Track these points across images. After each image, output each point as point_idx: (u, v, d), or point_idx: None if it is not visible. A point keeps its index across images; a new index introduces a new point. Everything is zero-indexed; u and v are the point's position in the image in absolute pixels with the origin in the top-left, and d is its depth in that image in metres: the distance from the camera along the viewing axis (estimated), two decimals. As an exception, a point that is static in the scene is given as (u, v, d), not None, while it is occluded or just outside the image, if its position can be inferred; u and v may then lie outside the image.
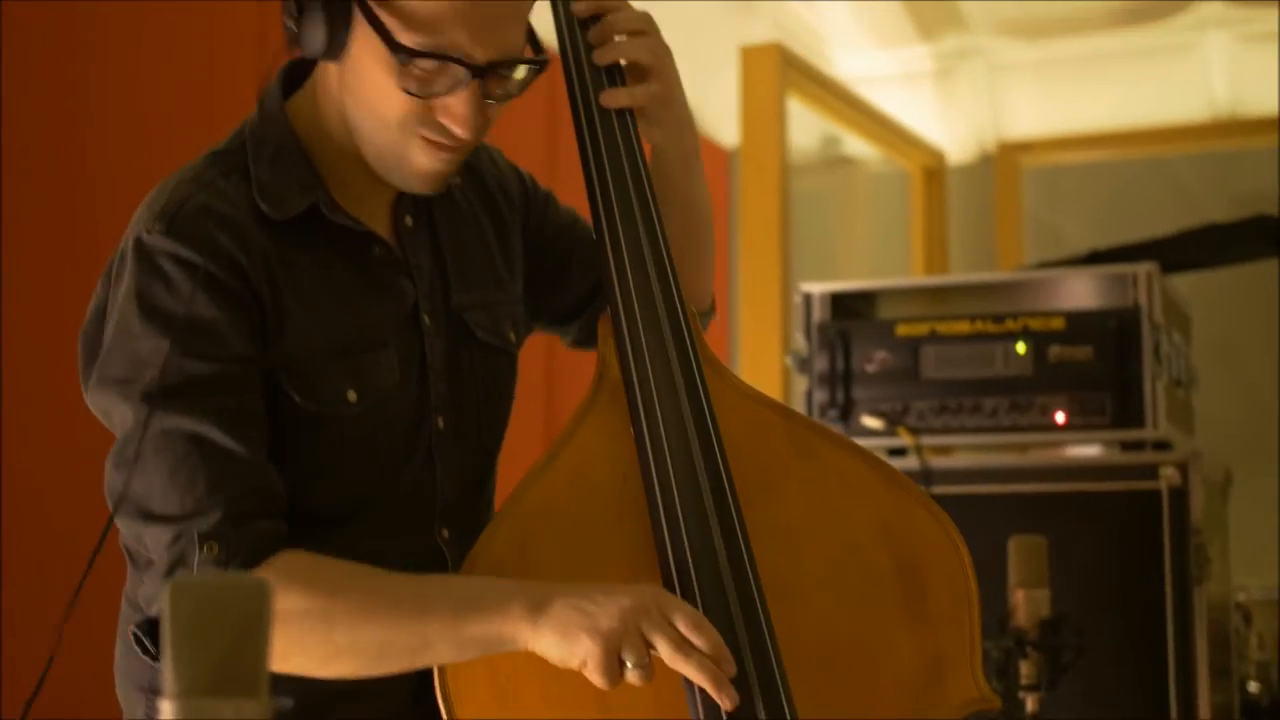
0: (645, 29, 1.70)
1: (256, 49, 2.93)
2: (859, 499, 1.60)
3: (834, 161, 5.22)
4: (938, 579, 1.57)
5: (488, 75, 1.52)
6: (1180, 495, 2.67)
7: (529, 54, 1.58)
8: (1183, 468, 2.68)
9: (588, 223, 1.87)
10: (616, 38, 1.69)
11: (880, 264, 5.23)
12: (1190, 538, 2.65)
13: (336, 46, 1.51)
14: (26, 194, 2.52)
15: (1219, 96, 4.90)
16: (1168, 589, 2.65)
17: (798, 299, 3.02)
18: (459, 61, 1.49)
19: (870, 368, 2.94)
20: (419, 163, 1.56)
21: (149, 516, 1.49)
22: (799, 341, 3.01)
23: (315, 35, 1.50)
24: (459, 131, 1.53)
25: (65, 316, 2.51)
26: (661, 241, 1.64)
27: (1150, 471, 2.69)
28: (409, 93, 1.50)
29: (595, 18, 1.70)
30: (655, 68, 1.69)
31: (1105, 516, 2.71)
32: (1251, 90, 4.85)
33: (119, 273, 1.55)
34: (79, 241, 2.61)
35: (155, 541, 1.50)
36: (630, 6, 1.73)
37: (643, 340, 1.58)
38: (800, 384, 3.02)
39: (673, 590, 1.49)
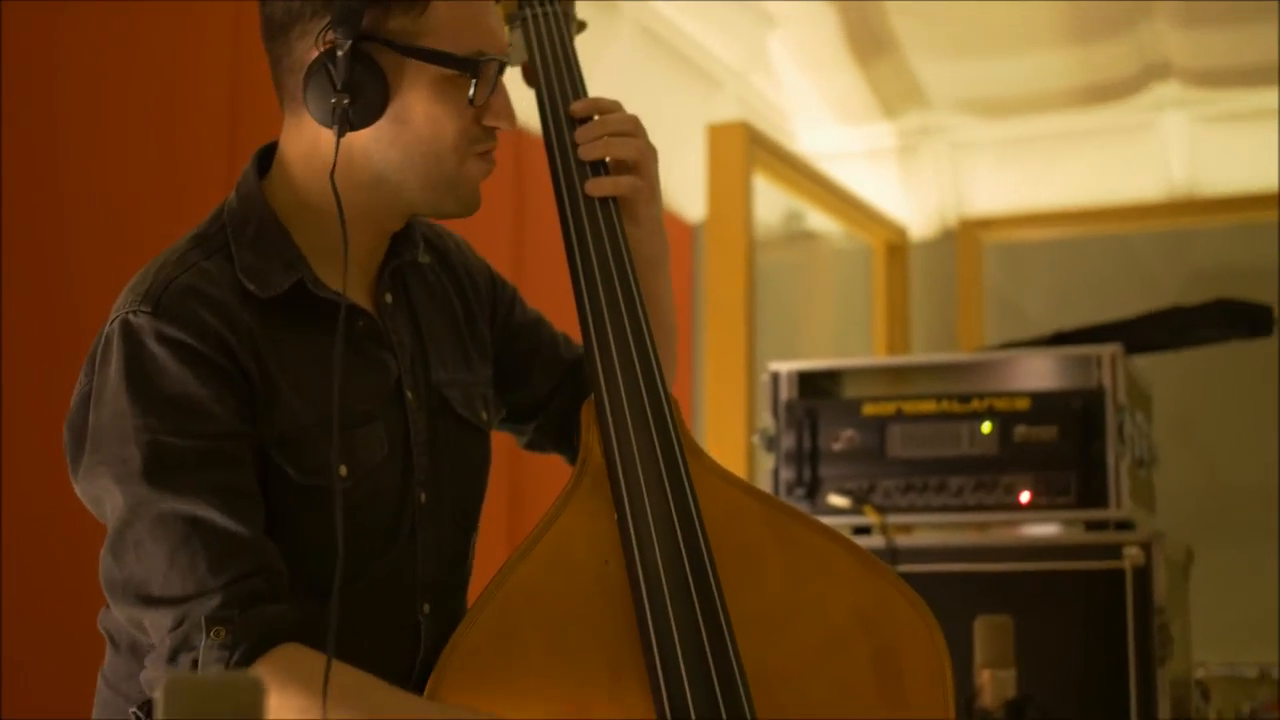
0: (633, 131, 1.76)
1: (230, 62, 2.97)
2: (836, 584, 1.62)
3: (797, 236, 5.27)
4: (913, 663, 1.60)
5: (505, 64, 1.63)
6: (1144, 575, 2.69)
7: None
8: (1146, 548, 2.70)
9: (552, 326, 1.91)
10: (606, 137, 1.75)
11: (843, 337, 5.28)
12: (1154, 617, 2.68)
13: (382, 107, 1.57)
14: (25, 195, 2.55)
15: (1177, 175, 4.98)
16: (1131, 669, 2.67)
17: (765, 377, 3.05)
18: (496, 57, 1.60)
19: (837, 446, 2.96)
20: (475, 177, 1.64)
21: (150, 600, 1.49)
22: (766, 420, 3.04)
23: (373, 99, 1.56)
24: (508, 125, 1.63)
25: (66, 317, 2.57)
26: (644, 326, 1.67)
27: (1114, 551, 2.71)
28: (472, 103, 1.58)
29: (587, 118, 1.77)
30: (640, 165, 1.75)
31: (1070, 596, 2.73)
32: (1208, 170, 4.95)
33: (104, 357, 1.56)
34: (80, 243, 2.65)
35: (157, 625, 1.49)
36: (621, 108, 1.78)
37: (627, 426, 1.61)
38: (767, 462, 3.04)
39: (654, 675, 1.50)
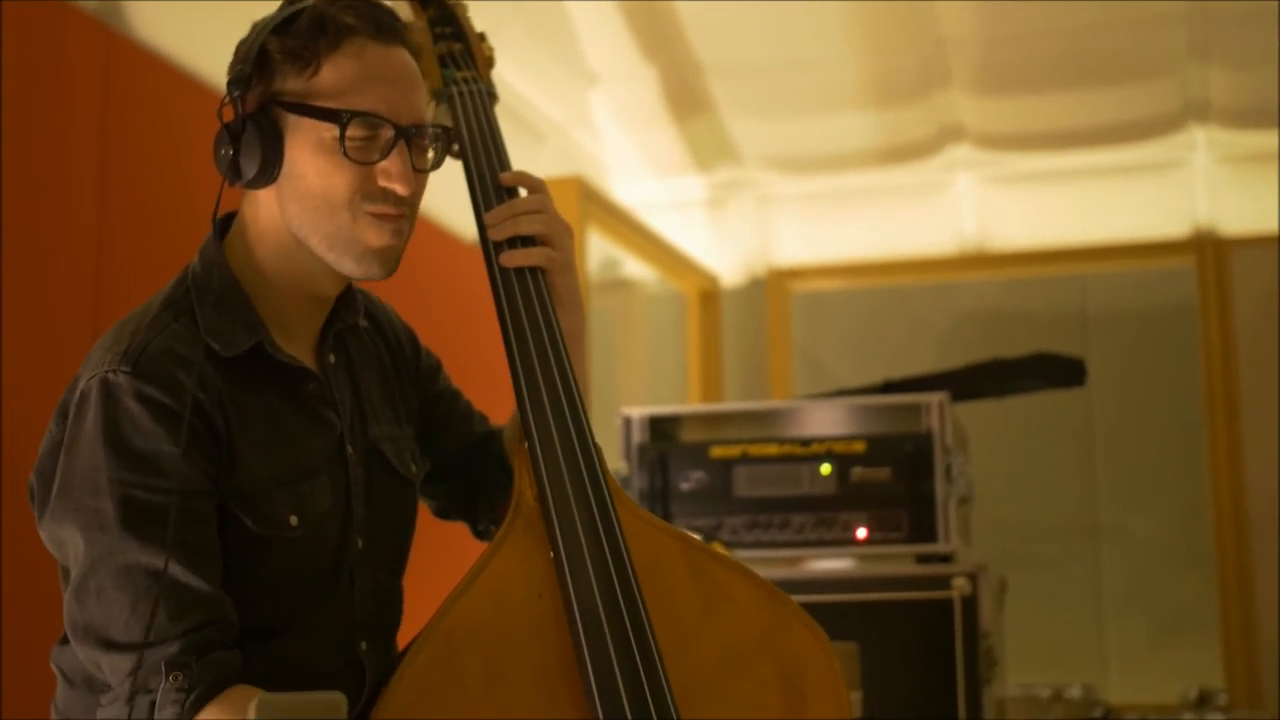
0: (540, 208, 1.90)
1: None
2: (742, 611, 1.80)
3: (613, 283, 5.47)
4: (815, 683, 1.79)
5: (411, 137, 1.72)
6: (970, 604, 2.94)
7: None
8: (973, 578, 2.95)
9: (469, 402, 2.07)
10: (514, 216, 1.89)
11: (657, 382, 5.49)
12: (980, 642, 2.93)
13: (275, 161, 1.69)
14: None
15: (967, 232, 5.32)
16: (960, 690, 2.91)
17: (618, 422, 3.24)
18: (385, 120, 1.69)
19: (686, 486, 3.16)
20: (371, 239, 1.72)
21: (110, 645, 1.60)
22: (619, 462, 3.22)
23: (254, 159, 1.68)
24: (400, 189, 1.71)
25: (66, 316, 2.61)
26: (570, 378, 1.82)
27: (943, 583, 2.96)
28: (350, 159, 1.68)
29: (514, 189, 1.91)
30: (549, 238, 1.90)
31: (905, 624, 2.97)
32: (996, 227, 5.29)
33: (79, 411, 1.66)
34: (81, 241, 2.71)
35: (114, 668, 1.60)
36: (542, 185, 1.93)
37: (561, 471, 1.76)
38: (619, 501, 3.21)
39: (592, 698, 1.66)
